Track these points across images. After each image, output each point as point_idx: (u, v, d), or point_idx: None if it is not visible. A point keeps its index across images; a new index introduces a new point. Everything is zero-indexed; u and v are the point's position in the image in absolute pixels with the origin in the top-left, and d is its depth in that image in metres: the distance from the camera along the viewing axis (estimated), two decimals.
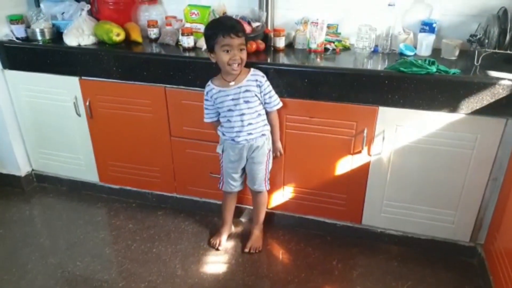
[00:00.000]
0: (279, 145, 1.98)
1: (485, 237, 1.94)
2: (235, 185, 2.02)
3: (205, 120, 1.94)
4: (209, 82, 1.85)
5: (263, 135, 1.89)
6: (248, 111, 1.82)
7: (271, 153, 1.96)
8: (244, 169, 1.99)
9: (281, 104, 1.87)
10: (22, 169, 2.57)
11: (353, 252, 2.08)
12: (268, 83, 1.83)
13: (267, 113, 1.89)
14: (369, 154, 1.91)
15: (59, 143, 2.44)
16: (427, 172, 1.88)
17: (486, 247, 1.93)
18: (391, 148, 1.88)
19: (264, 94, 1.83)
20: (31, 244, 2.14)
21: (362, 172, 1.96)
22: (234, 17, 2.15)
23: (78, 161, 2.46)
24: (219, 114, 1.88)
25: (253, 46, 2.02)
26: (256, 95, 1.81)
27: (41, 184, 2.66)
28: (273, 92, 1.85)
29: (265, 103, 1.86)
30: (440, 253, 2.04)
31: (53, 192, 2.59)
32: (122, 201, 2.48)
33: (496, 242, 1.79)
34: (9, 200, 2.51)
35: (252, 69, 1.82)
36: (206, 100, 1.88)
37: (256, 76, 1.80)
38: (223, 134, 1.90)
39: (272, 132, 1.93)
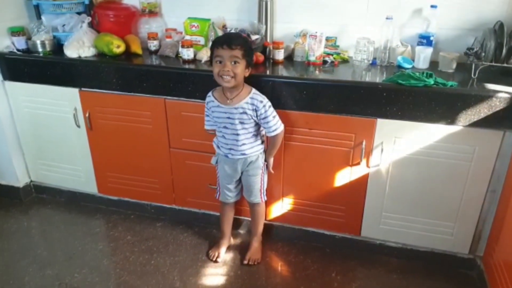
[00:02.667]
0: (270, 161, 1.95)
1: (484, 249, 1.94)
2: (231, 196, 2.02)
3: (205, 127, 1.93)
4: (210, 93, 1.85)
5: (257, 153, 1.88)
6: (243, 131, 1.80)
7: (265, 165, 1.96)
8: (240, 180, 1.99)
9: (279, 131, 1.81)
10: (20, 180, 2.57)
11: (352, 264, 2.07)
12: (265, 108, 1.75)
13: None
14: (367, 166, 1.92)
15: (58, 155, 2.45)
16: (425, 184, 1.88)
17: (485, 259, 1.92)
18: (390, 160, 1.88)
19: (260, 119, 1.78)
20: (28, 256, 2.12)
21: (361, 184, 1.96)
22: (233, 30, 2.18)
23: (77, 173, 2.46)
24: None
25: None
26: (252, 118, 1.78)
27: (39, 195, 2.65)
28: (271, 118, 1.77)
29: (262, 127, 1.83)
30: (440, 265, 2.03)
31: (52, 203, 2.59)
32: (120, 213, 2.47)
33: (495, 254, 1.79)
34: (7, 211, 2.50)
35: (253, 91, 1.78)
36: (206, 108, 1.88)
37: (253, 100, 1.75)
38: (218, 148, 1.90)
39: (266, 148, 1.92)
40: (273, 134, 1.81)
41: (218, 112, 1.81)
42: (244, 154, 1.84)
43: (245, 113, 1.76)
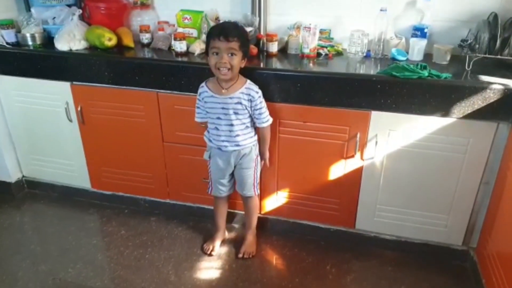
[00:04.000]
0: (266, 156, 1.97)
1: (477, 240, 1.95)
2: (224, 190, 2.01)
3: (196, 119, 1.91)
4: (203, 83, 1.83)
5: (250, 146, 1.88)
6: (237, 122, 1.80)
7: (258, 158, 1.95)
8: (232, 174, 1.98)
9: (270, 121, 1.84)
10: (12, 175, 2.54)
11: (347, 257, 2.08)
12: (261, 99, 1.79)
13: (257, 128, 1.88)
14: (362, 158, 1.91)
15: (51, 149, 2.42)
16: (419, 176, 1.88)
17: (478, 250, 1.94)
18: (384, 152, 1.88)
19: (255, 110, 1.79)
20: (21, 251, 2.11)
21: (355, 177, 1.96)
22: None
23: (70, 167, 2.43)
24: None
25: None
26: (246, 108, 1.79)
27: (32, 191, 2.63)
28: (264, 109, 1.81)
29: (254, 118, 1.83)
30: (434, 257, 2.04)
31: (44, 198, 2.56)
32: (114, 207, 2.46)
33: (488, 246, 1.81)
34: None
35: (248, 82, 1.79)
36: (198, 100, 1.86)
37: (249, 90, 1.76)
38: (210, 141, 1.89)
39: (259, 143, 1.92)
40: (265, 124, 1.83)
41: (211, 103, 1.80)
42: (238, 145, 1.84)
43: (239, 103, 1.76)
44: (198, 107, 1.88)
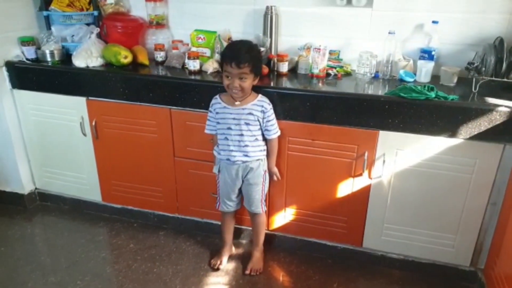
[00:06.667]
0: (275, 170, 2.01)
1: (485, 262, 1.94)
2: (232, 205, 2.04)
3: (206, 131, 1.97)
4: (217, 96, 1.91)
5: (258, 159, 1.92)
6: (247, 133, 1.86)
7: (267, 174, 1.98)
8: (241, 190, 2.01)
9: (278, 133, 1.91)
10: (25, 187, 2.59)
11: (354, 276, 2.08)
12: (272, 111, 1.87)
13: (266, 140, 1.93)
14: (369, 177, 1.94)
15: (64, 162, 2.47)
16: (427, 195, 1.90)
17: (486, 272, 1.93)
18: (392, 171, 1.90)
19: (266, 121, 1.87)
20: (32, 263, 2.14)
21: (363, 195, 1.98)
22: None
23: (82, 181, 2.48)
24: None
25: None
26: (258, 120, 1.85)
27: (43, 203, 2.67)
28: (274, 121, 1.89)
29: (265, 129, 1.89)
30: (441, 278, 2.03)
31: (56, 211, 2.60)
32: (123, 221, 2.49)
33: (496, 267, 1.80)
34: (11, 218, 2.52)
35: (260, 95, 1.87)
36: (210, 111, 1.93)
37: (262, 102, 1.85)
38: (219, 154, 1.93)
39: (267, 157, 1.97)
40: (274, 136, 1.91)
41: (223, 113, 1.86)
42: (247, 155, 1.88)
43: (251, 114, 1.84)
44: (209, 119, 1.95)
